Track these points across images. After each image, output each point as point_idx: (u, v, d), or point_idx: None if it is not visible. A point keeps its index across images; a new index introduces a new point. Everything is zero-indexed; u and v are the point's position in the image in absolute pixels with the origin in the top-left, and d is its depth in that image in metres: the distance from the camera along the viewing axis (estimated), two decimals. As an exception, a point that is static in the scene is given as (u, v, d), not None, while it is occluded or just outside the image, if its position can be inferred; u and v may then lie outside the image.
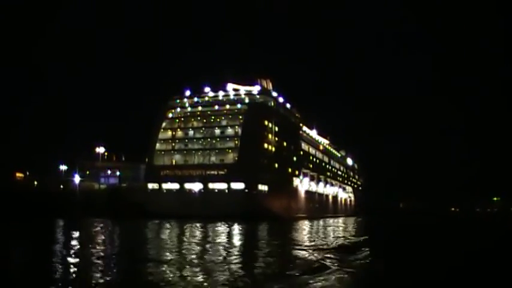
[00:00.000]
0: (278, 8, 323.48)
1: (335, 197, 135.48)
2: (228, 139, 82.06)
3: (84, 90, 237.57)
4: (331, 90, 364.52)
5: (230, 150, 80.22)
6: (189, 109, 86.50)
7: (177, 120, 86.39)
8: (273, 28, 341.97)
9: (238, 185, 75.25)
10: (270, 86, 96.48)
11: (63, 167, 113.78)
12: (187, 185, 78.15)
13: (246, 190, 74.98)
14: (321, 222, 70.32)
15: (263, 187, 78.88)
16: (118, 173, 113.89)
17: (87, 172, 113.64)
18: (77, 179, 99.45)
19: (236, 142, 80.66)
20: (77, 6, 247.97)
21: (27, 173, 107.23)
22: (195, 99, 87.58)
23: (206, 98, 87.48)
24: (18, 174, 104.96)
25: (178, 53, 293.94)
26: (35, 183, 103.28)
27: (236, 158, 78.47)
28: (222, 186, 76.44)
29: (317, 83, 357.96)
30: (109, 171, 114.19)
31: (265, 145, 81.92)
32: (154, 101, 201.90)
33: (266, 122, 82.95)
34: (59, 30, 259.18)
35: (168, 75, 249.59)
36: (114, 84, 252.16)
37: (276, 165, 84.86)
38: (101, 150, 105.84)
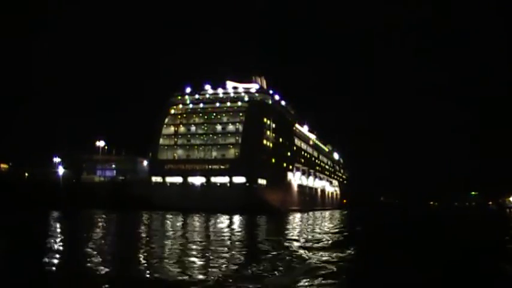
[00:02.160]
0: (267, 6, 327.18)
1: (323, 191, 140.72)
2: (229, 135, 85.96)
3: (85, 85, 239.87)
4: (324, 88, 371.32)
5: (231, 146, 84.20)
6: (190, 106, 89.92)
7: (179, 116, 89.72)
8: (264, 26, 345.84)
9: (239, 179, 79.29)
10: (264, 84, 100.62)
11: (56, 159, 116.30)
12: (191, 179, 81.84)
13: (247, 184, 79.13)
14: (312, 214, 75.16)
15: (262, 181, 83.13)
16: (113, 166, 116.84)
17: (84, 165, 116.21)
18: (60, 170, 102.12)
19: (237, 138, 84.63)
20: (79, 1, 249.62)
21: (10, 164, 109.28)
22: (196, 96, 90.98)
23: (207, 95, 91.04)
24: (3, 165, 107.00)
25: (176, 49, 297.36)
26: (26, 174, 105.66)
27: (237, 154, 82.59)
28: (224, 180, 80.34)
29: (308, 80, 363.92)
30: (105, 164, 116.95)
31: (265, 141, 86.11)
32: (154, 97, 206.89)
33: (265, 119, 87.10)
34: (61, 24, 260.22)
35: (166, 71, 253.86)
36: (114, 79, 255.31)
37: (273, 160, 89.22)
38: (101, 144, 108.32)
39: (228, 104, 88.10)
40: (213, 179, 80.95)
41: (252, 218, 52.95)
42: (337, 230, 36.54)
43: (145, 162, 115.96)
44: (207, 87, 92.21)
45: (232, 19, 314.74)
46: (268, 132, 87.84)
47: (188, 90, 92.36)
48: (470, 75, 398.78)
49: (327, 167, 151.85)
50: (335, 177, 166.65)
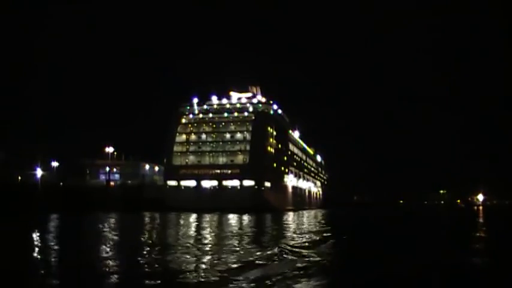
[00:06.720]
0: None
1: (309, 191, 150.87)
2: (237, 143, 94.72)
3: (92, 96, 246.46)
4: (306, 91, 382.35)
5: (240, 152, 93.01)
6: (200, 115, 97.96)
7: (190, 125, 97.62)
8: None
9: (249, 183, 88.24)
10: (259, 92, 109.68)
11: (55, 164, 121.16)
12: (204, 183, 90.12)
13: (256, 187, 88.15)
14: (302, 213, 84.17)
15: (267, 184, 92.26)
16: (115, 170, 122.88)
17: (87, 170, 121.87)
18: (39, 172, 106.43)
19: (244, 145, 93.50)
20: (88, 11, 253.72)
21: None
22: (204, 106, 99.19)
23: (214, 106, 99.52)
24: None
25: (175, 61, 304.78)
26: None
27: (245, 159, 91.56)
28: (235, 183, 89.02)
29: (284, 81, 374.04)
30: (107, 169, 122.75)
31: (268, 148, 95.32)
32: (160, 107, 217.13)
33: (268, 128, 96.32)
34: (68, 35, 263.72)
35: (164, 82, 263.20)
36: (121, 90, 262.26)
37: (274, 164, 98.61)
38: (110, 150, 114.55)
39: (236, 114, 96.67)
40: (224, 183, 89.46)
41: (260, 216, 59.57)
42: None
43: (147, 166, 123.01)
44: (213, 97, 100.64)
45: (226, 31, 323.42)
46: (271, 139, 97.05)
47: (195, 100, 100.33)
48: (446, 77, 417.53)
49: (312, 169, 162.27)
50: (318, 178, 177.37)
